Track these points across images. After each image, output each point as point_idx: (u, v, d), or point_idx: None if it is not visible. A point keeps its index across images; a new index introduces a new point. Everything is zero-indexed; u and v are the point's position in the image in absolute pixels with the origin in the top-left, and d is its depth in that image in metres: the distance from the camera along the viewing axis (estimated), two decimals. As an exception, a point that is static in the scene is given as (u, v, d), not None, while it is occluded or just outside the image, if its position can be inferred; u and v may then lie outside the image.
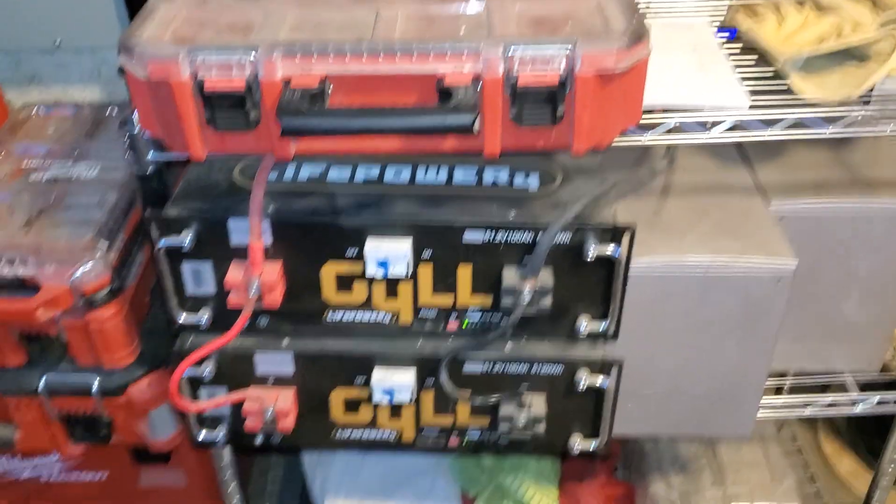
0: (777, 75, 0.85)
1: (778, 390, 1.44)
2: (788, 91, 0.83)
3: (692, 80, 0.83)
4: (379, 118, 0.65)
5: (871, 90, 1.03)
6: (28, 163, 1.04)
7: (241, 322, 0.82)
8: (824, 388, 1.21)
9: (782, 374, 1.43)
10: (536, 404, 0.86)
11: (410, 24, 0.73)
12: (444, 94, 0.67)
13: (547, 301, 0.81)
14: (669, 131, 0.81)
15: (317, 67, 0.68)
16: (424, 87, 0.68)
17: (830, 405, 1.01)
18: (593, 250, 0.78)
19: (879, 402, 1.01)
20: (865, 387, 1.36)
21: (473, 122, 0.65)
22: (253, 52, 0.67)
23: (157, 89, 0.70)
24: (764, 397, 1.01)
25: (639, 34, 0.68)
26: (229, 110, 0.69)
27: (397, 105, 0.68)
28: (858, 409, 1.01)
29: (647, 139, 0.79)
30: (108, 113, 1.12)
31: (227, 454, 1.02)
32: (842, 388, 1.02)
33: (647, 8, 1.03)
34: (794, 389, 1.41)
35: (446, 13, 0.74)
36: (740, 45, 0.93)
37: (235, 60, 0.67)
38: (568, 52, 0.67)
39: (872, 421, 1.45)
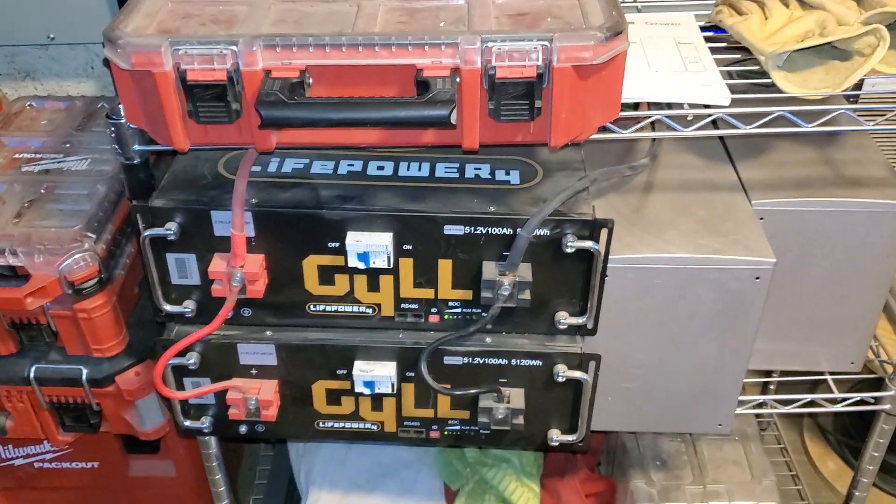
0: (761, 72, 0.86)
1: (765, 388, 1.45)
2: (772, 87, 0.84)
3: (674, 75, 0.84)
4: (357, 109, 0.66)
5: (860, 88, 1.04)
6: (20, 155, 1.05)
7: (225, 312, 0.83)
8: (813, 387, 1.22)
9: (770, 372, 1.44)
10: (515, 398, 0.87)
11: (391, 18, 0.74)
12: (423, 85, 0.68)
13: (526, 295, 0.82)
14: (650, 126, 0.81)
15: (297, 59, 0.69)
16: (404, 79, 0.69)
17: (810, 403, 1.02)
18: (572, 244, 0.79)
19: (859, 402, 1.01)
20: (853, 386, 1.36)
21: (450, 113, 0.65)
22: (234, 44, 0.68)
23: (141, 80, 0.71)
24: (745, 394, 1.01)
25: (616, 28, 0.69)
26: (211, 102, 0.70)
27: (377, 97, 0.69)
28: (838, 408, 1.01)
29: (626, 134, 0.80)
30: (99, 106, 1.13)
31: (213, 443, 1.03)
32: (829, 387, 1.02)
33: (635, 3, 1.05)
34: (782, 387, 1.42)
35: (427, 7, 0.75)
36: (725, 41, 0.93)
37: (217, 52, 0.68)
38: (545, 45, 0.68)
39: (858, 423, 1.46)
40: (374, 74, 0.69)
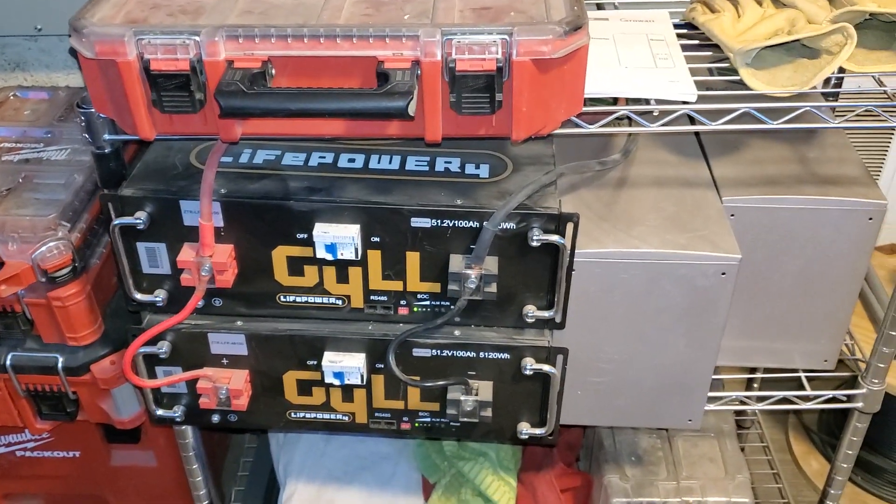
0: (730, 69, 0.86)
1: (748, 386, 1.46)
2: (741, 84, 0.84)
3: (643, 71, 0.84)
4: (315, 100, 0.67)
5: (840, 86, 1.03)
6: (1, 144, 1.06)
7: (193, 302, 0.84)
8: (799, 386, 1.22)
9: (754, 370, 1.44)
10: (483, 390, 0.88)
11: (357, 10, 0.74)
12: (383, 77, 0.68)
13: (492, 288, 0.82)
14: (617, 122, 0.82)
15: (259, 50, 0.69)
16: (366, 71, 0.70)
17: (784, 400, 1.02)
18: (537, 238, 0.79)
19: (833, 399, 1.01)
20: (839, 386, 1.36)
21: (408, 105, 0.66)
22: (197, 34, 0.69)
23: (106, 70, 0.71)
24: (723, 391, 1.01)
25: (576, 23, 0.69)
26: (175, 91, 0.71)
27: (335, 88, 0.70)
28: (811, 405, 1.01)
29: (591, 129, 0.80)
30: (83, 97, 1.14)
31: (189, 434, 1.04)
32: (816, 384, 1.02)
33: (615, 7, 1.05)
34: (765, 385, 1.42)
35: (394, 0, 0.76)
36: (699, 39, 0.93)
37: (180, 42, 0.69)
38: (505, 39, 0.68)
39: (842, 422, 1.46)
40: (337, 66, 0.70)
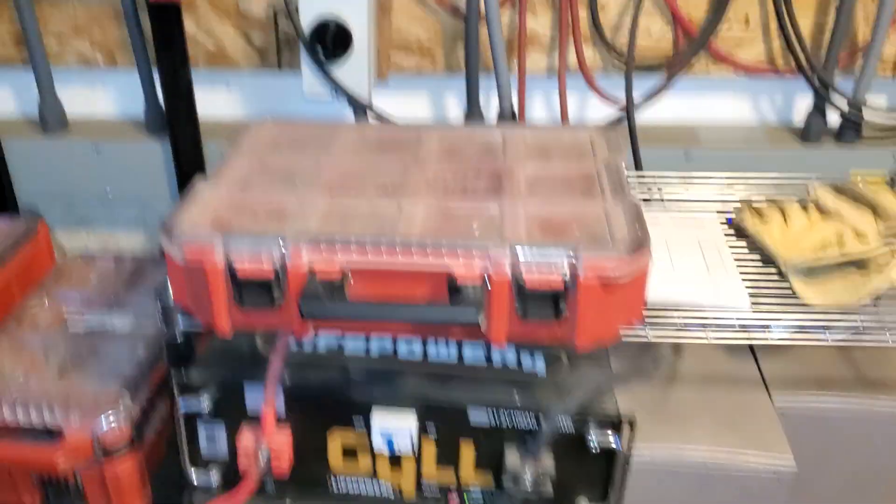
0: (781, 277, 0.89)
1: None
2: (791, 294, 0.87)
3: (697, 278, 0.87)
4: (392, 312, 0.70)
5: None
6: (67, 310, 1.10)
7: (247, 493, 0.84)
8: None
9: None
10: (535, 592, 0.86)
11: (430, 219, 0.79)
12: (454, 286, 0.72)
13: (548, 486, 0.82)
14: (672, 329, 0.84)
15: (339, 258, 0.73)
16: (437, 281, 0.73)
17: None
18: (595, 439, 0.80)
19: None
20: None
21: (479, 318, 0.69)
22: (282, 242, 0.73)
23: (192, 270, 0.75)
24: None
25: (640, 243, 0.73)
26: (257, 293, 0.74)
27: (411, 296, 0.73)
28: None
29: (650, 336, 0.82)
30: (146, 266, 1.19)
31: None
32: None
33: (661, 200, 1.09)
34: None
35: (463, 211, 0.80)
36: (747, 243, 0.97)
37: (266, 249, 0.73)
38: (571, 257, 0.72)
39: None
40: (410, 275, 0.74)
